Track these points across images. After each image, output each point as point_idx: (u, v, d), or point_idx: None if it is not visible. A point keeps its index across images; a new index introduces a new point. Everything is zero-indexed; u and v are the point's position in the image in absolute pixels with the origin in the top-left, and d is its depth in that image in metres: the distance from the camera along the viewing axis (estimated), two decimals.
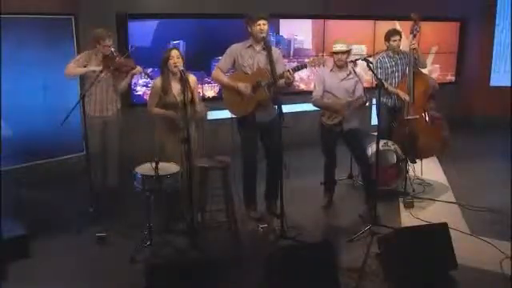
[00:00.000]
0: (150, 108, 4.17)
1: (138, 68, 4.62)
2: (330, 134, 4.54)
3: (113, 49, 4.55)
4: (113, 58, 4.51)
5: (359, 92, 4.48)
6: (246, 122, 4.28)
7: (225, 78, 4.29)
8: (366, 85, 5.03)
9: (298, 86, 7.15)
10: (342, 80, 4.47)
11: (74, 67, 4.53)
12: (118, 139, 4.78)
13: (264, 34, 4.11)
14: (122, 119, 4.85)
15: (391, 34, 5.15)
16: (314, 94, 4.57)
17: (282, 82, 4.14)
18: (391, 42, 5.12)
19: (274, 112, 4.13)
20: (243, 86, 4.14)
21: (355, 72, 4.51)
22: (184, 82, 3.88)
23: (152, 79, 4.58)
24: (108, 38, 4.50)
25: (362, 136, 4.62)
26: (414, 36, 5.07)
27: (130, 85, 5.15)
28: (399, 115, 5.14)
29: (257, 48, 4.22)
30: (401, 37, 5.17)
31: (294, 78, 4.11)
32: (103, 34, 4.51)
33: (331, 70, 4.52)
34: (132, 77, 4.72)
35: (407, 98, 5.00)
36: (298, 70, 4.15)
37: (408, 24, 5.16)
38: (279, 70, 4.16)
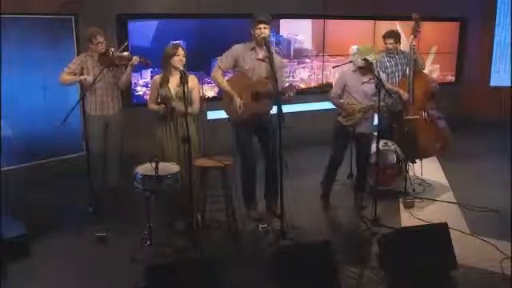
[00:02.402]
0: (148, 104, 4.18)
1: (135, 57, 4.44)
2: (343, 134, 4.57)
3: (112, 48, 4.53)
4: (108, 55, 4.45)
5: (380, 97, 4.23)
6: (241, 121, 4.25)
7: (224, 82, 4.23)
8: None
9: (299, 86, 7.15)
10: (363, 83, 4.41)
11: (65, 75, 4.49)
12: (119, 139, 4.77)
13: (263, 35, 4.08)
14: (123, 119, 4.82)
15: (386, 36, 5.15)
16: (332, 91, 4.53)
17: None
18: (386, 45, 5.12)
19: (269, 111, 4.14)
20: (238, 103, 4.11)
21: (379, 78, 4.20)
22: (183, 78, 3.81)
23: (148, 66, 4.58)
24: (99, 35, 4.45)
25: (371, 142, 4.61)
26: (415, 37, 5.06)
27: (130, 85, 5.11)
28: (399, 115, 5.14)
29: (259, 51, 4.18)
30: (398, 39, 5.16)
31: (294, 96, 4.05)
32: (93, 31, 4.47)
33: (353, 71, 4.45)
34: (132, 68, 4.55)
35: (406, 95, 4.99)
36: None
37: (408, 24, 5.15)
38: (280, 80, 4.05)
